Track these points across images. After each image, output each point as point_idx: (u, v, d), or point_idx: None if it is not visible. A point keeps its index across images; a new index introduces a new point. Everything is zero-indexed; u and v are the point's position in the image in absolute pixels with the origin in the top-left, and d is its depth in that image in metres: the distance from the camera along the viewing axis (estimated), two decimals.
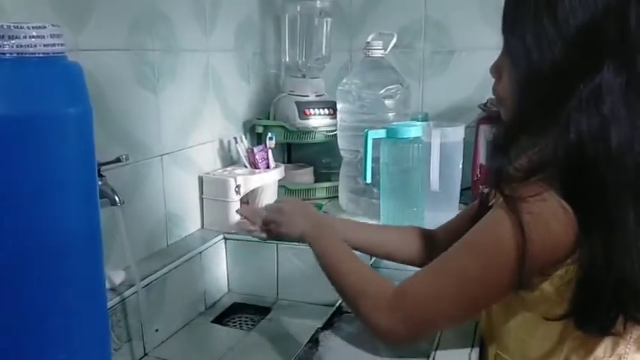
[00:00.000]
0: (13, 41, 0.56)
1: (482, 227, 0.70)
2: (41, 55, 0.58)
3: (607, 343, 0.69)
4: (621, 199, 0.63)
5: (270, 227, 0.98)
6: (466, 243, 0.71)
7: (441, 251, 0.74)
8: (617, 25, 0.64)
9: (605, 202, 0.63)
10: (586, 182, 0.63)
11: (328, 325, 0.92)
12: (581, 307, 0.66)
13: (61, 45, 0.60)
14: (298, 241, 0.95)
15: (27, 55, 0.57)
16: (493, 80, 0.78)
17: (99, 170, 0.95)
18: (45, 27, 0.59)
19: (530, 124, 0.69)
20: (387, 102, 1.38)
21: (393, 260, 1.00)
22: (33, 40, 0.57)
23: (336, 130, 1.52)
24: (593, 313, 0.65)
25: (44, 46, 0.58)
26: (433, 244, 0.97)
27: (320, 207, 1.43)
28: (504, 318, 0.76)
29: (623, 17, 0.64)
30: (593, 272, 0.64)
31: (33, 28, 0.58)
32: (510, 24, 0.71)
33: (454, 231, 0.90)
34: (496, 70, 0.76)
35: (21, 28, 0.57)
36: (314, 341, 0.88)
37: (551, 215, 0.64)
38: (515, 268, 0.65)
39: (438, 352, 0.80)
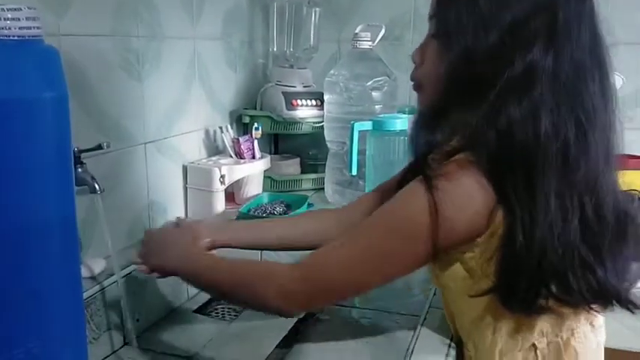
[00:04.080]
0: None
1: (396, 201, 0.71)
2: (16, 38, 0.57)
3: (551, 321, 0.71)
4: (545, 180, 0.65)
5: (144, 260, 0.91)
6: (380, 216, 0.72)
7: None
8: (548, 18, 0.67)
9: (530, 183, 0.65)
10: (513, 163, 0.65)
11: (310, 316, 0.92)
12: (503, 283, 0.68)
13: (38, 28, 0.59)
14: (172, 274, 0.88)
15: (1, 38, 0.56)
16: None
17: (79, 157, 0.93)
18: (21, 9, 0.57)
19: (458, 105, 0.70)
20: (374, 94, 1.38)
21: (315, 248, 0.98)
22: (8, 22, 0.56)
23: (322, 122, 1.51)
24: (515, 289, 0.67)
25: (19, 29, 0.57)
26: (349, 220, 0.94)
27: (305, 199, 1.42)
28: (458, 307, 0.78)
29: (553, 15, 0.67)
30: (515, 249, 0.66)
31: (8, 10, 0.56)
32: (445, 7, 0.73)
33: (370, 204, 0.91)
34: (420, 54, 0.78)
35: None
36: (294, 332, 0.88)
37: (465, 194, 0.66)
38: (427, 241, 0.67)
39: (417, 344, 0.80)
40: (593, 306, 0.71)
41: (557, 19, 0.67)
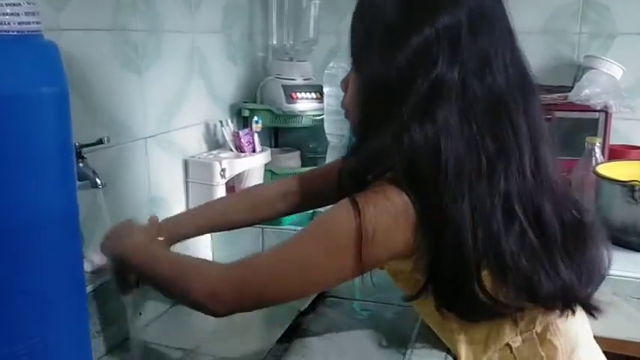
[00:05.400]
0: None
1: (325, 215, 0.73)
2: (15, 33, 0.56)
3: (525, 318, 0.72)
4: (456, 200, 0.66)
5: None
6: (309, 229, 0.74)
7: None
8: (450, 41, 0.68)
9: (441, 202, 0.66)
10: (423, 185, 0.66)
11: (310, 309, 0.92)
12: (429, 286, 0.69)
13: (37, 23, 0.58)
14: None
15: (1, 34, 0.55)
16: None
17: (80, 152, 0.94)
18: (20, 4, 0.57)
19: (374, 127, 0.72)
20: None
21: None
22: (7, 17, 0.56)
23: (322, 115, 1.51)
24: (441, 292, 0.69)
25: (19, 24, 0.57)
26: (295, 192, 0.97)
27: None
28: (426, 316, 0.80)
29: (456, 35, 0.68)
30: (433, 256, 0.68)
31: (7, 5, 0.56)
32: (354, 34, 0.75)
33: (318, 179, 0.96)
34: (344, 82, 0.80)
35: None
36: (296, 325, 0.88)
37: (389, 208, 0.67)
38: (352, 254, 0.67)
39: (419, 336, 0.80)
40: (544, 309, 0.72)
41: (460, 38, 0.68)
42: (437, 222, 0.66)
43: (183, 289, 0.76)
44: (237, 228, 1.00)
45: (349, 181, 0.74)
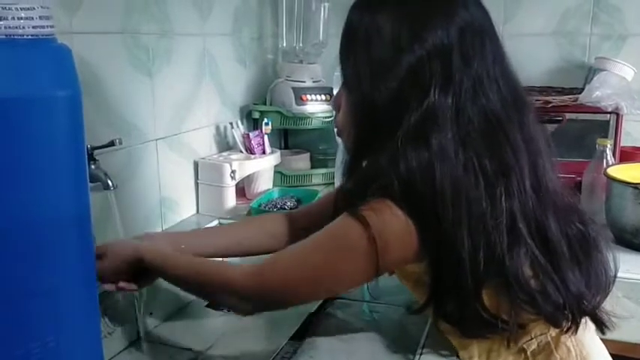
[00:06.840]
0: (0, 22, 0.55)
1: (332, 225, 0.72)
2: (29, 36, 0.57)
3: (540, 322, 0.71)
4: (453, 223, 0.65)
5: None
6: (320, 241, 0.73)
7: (301, 236, 0.77)
8: (442, 62, 0.67)
9: (439, 225, 0.65)
10: (421, 209, 0.66)
11: (320, 310, 0.92)
12: (431, 301, 0.70)
13: (51, 27, 0.59)
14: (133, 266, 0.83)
15: (15, 37, 0.56)
16: None
17: (92, 154, 0.94)
18: (34, 8, 0.58)
19: (368, 150, 0.72)
20: None
21: (255, 254, 0.99)
22: (21, 21, 0.56)
23: (332, 116, 1.51)
24: (442, 309, 0.70)
25: (33, 27, 0.57)
26: (293, 229, 0.97)
27: (316, 193, 1.42)
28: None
29: (447, 56, 0.67)
30: (434, 273, 0.68)
31: (21, 9, 0.57)
32: (345, 55, 0.74)
33: (315, 215, 0.93)
34: (335, 101, 0.79)
35: (9, 9, 0.56)
36: (306, 326, 0.88)
37: (394, 217, 0.66)
38: (366, 259, 0.68)
39: (428, 338, 0.80)
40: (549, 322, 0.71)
41: (452, 60, 0.67)
42: (435, 244, 0.66)
43: (212, 298, 0.80)
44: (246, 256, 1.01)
45: (346, 202, 0.74)
